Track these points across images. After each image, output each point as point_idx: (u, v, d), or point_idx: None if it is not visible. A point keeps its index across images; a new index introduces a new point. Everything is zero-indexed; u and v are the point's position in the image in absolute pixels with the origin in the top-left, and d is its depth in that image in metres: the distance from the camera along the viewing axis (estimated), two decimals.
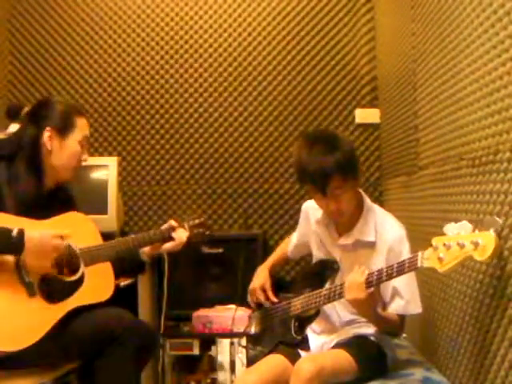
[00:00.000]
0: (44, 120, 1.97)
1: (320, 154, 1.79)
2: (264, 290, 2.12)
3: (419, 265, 1.55)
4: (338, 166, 1.77)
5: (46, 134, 1.94)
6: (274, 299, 2.10)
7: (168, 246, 2.12)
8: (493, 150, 1.50)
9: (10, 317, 1.74)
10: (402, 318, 1.86)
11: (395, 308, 1.83)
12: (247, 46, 3.38)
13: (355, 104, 3.31)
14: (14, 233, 1.72)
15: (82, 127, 2.02)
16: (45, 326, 1.78)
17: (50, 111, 1.99)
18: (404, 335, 2.21)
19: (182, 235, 2.12)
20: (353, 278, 1.71)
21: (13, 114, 2.17)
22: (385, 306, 1.87)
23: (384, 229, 1.89)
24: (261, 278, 2.16)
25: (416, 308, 1.83)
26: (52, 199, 2.00)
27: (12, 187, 1.88)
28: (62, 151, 1.97)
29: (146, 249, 2.11)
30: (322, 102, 3.33)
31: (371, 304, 1.73)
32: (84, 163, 2.06)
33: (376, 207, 1.98)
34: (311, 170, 1.79)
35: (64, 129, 1.97)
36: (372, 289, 1.68)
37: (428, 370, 1.90)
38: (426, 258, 1.53)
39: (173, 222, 2.15)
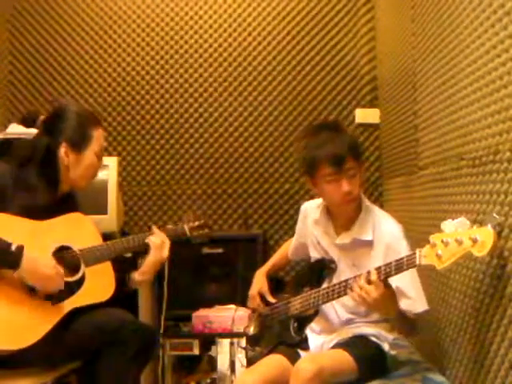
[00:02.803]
0: (59, 133, 1.93)
1: (330, 137, 1.87)
2: (262, 294, 2.13)
3: (417, 262, 1.55)
4: (349, 146, 1.85)
5: (62, 150, 1.92)
6: (273, 300, 2.10)
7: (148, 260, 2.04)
8: (493, 149, 1.50)
9: (11, 316, 1.74)
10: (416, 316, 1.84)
11: (403, 308, 1.79)
12: (247, 46, 3.38)
13: (355, 104, 3.31)
14: (13, 248, 1.70)
15: (98, 138, 1.99)
16: (45, 326, 1.78)
17: (65, 123, 1.94)
18: None
19: (155, 240, 2.05)
20: (362, 282, 1.66)
21: (29, 123, 2.14)
22: None
23: (381, 227, 1.89)
24: (258, 282, 2.17)
25: (423, 306, 1.81)
26: (60, 202, 2.00)
27: (18, 190, 1.86)
28: (78, 165, 1.95)
29: (136, 275, 2.05)
30: (322, 101, 3.32)
31: (393, 297, 1.71)
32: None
33: (374, 207, 1.98)
34: (326, 152, 1.83)
35: (80, 143, 1.94)
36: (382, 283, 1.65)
37: (428, 370, 1.91)
38: (424, 256, 1.53)
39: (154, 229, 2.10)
